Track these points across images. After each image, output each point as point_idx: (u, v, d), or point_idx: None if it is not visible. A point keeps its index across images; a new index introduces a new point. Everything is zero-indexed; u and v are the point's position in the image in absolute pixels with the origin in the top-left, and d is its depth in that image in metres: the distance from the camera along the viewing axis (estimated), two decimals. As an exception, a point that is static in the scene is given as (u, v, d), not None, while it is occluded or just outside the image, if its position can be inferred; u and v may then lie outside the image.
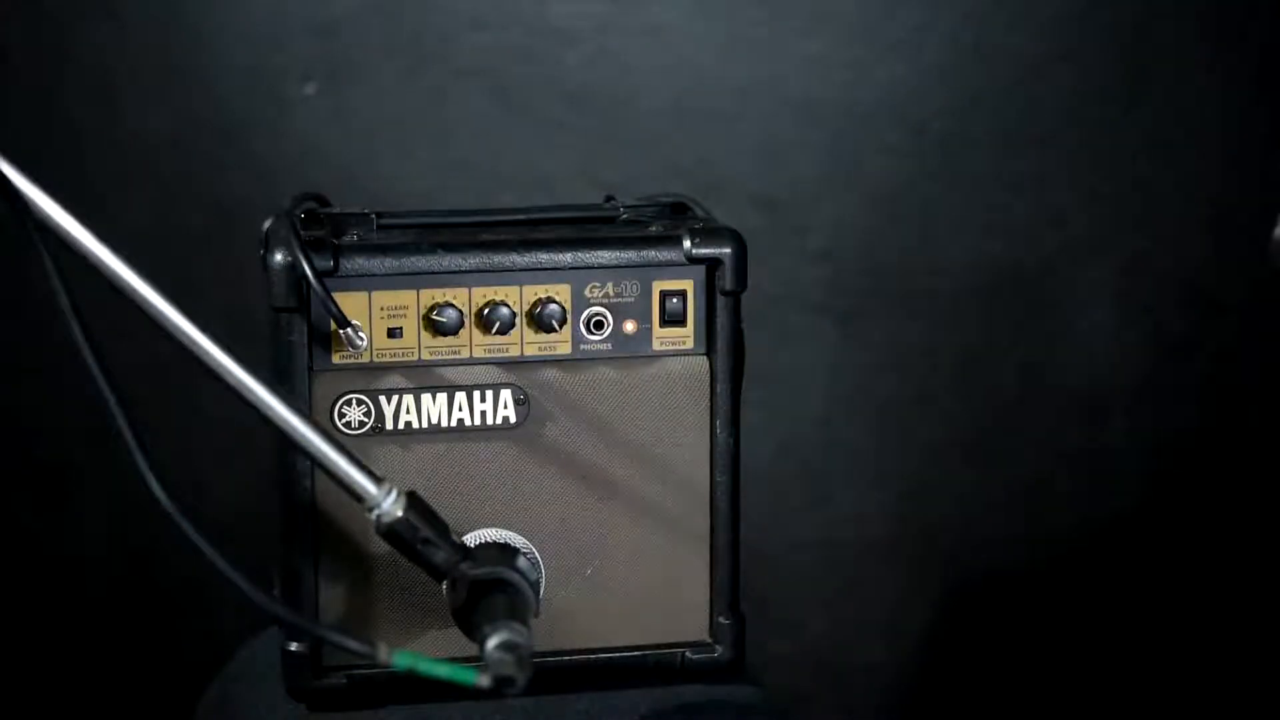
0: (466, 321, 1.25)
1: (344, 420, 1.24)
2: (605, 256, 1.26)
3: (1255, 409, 2.33)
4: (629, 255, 1.27)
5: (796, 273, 2.24)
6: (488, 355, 1.26)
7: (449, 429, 1.25)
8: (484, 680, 1.02)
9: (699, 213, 1.34)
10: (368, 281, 1.23)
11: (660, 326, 1.28)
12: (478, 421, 1.25)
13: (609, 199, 1.38)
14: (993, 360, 2.29)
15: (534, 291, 1.26)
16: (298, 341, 1.22)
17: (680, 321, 1.28)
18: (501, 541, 1.25)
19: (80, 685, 2.24)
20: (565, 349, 1.27)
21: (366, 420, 1.24)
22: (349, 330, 1.22)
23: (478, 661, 1.03)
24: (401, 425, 1.25)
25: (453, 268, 1.24)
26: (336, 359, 1.24)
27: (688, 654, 1.30)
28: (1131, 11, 2.24)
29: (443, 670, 1.02)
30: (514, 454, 1.26)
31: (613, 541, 1.28)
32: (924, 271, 2.26)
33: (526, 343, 1.26)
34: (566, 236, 1.27)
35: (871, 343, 2.27)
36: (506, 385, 1.26)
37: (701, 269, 1.28)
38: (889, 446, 2.30)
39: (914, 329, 2.27)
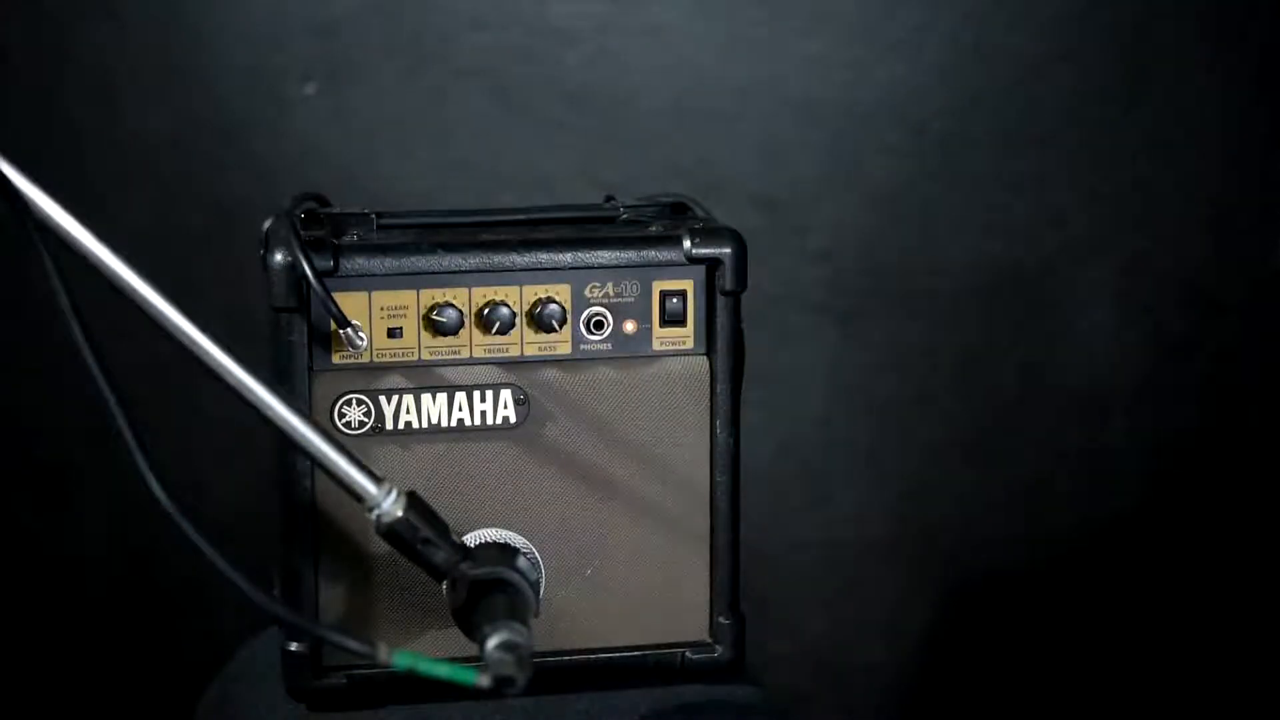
0: (466, 321, 1.25)
1: (344, 420, 1.24)
2: (605, 256, 1.26)
3: (1255, 409, 2.33)
4: (629, 255, 1.27)
5: (796, 273, 2.24)
6: (488, 355, 1.26)
7: (449, 429, 1.25)
8: (484, 680, 1.02)
9: (699, 213, 1.34)
10: (368, 281, 1.23)
11: (660, 326, 1.28)
12: (478, 421, 1.25)
13: (609, 199, 1.38)
14: (993, 360, 2.29)
15: (534, 291, 1.26)
16: (298, 341, 1.22)
17: (680, 321, 1.28)
18: (501, 541, 1.25)
19: (80, 685, 2.24)
20: (565, 349, 1.27)
21: (366, 420, 1.24)
22: (349, 330, 1.22)
23: (478, 661, 1.03)
24: (401, 425, 1.25)
25: (453, 268, 1.24)
26: (336, 359, 1.23)
27: (688, 654, 1.30)
28: (1131, 11, 2.24)
29: (443, 670, 1.02)
30: (514, 454, 1.26)
31: (613, 541, 1.28)
32: (924, 271, 2.26)
33: (526, 343, 1.26)
34: (566, 236, 1.27)
35: (871, 343, 2.27)
36: (506, 385, 1.26)
37: (701, 269, 1.28)
38: (889, 446, 2.30)
39: (914, 329, 2.27)
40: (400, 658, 1.02)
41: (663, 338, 1.28)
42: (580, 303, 1.26)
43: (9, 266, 1.93)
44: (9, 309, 2.12)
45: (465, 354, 1.25)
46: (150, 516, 1.04)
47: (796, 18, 2.20)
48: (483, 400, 1.25)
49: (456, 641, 1.16)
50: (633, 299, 1.27)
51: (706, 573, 1.30)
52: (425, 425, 1.25)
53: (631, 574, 1.29)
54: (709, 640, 1.31)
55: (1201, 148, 2.27)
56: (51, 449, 2.20)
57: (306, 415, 1.13)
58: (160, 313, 1.08)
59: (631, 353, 1.28)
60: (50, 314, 1.04)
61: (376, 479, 1.12)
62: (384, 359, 1.24)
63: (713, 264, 1.27)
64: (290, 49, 2.14)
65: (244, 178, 2.15)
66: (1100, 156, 2.27)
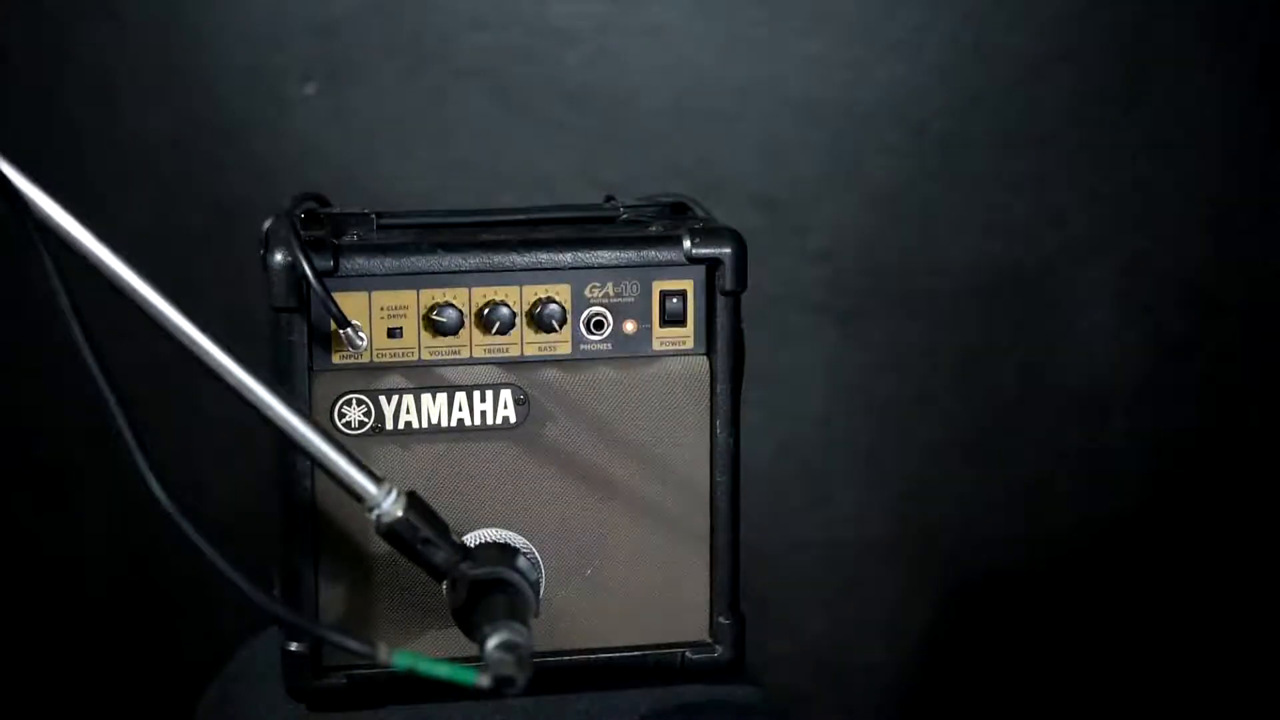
0: (466, 321, 1.25)
1: (344, 420, 1.24)
2: (605, 256, 1.26)
3: (1255, 409, 2.33)
4: (629, 255, 1.27)
5: (796, 273, 2.24)
6: (488, 355, 1.26)
7: (449, 429, 1.25)
8: (484, 680, 1.02)
9: (699, 213, 1.34)
10: (368, 281, 1.23)
11: (660, 326, 1.28)
12: (478, 421, 1.25)
13: (609, 199, 1.38)
14: (993, 360, 2.29)
15: (534, 291, 1.26)
16: (298, 341, 1.22)
17: (680, 321, 1.28)
18: (501, 541, 1.25)
19: (80, 685, 2.24)
20: (565, 349, 1.27)
21: (366, 420, 1.24)
22: (349, 330, 1.22)
23: (478, 661, 1.03)
24: (401, 425, 1.25)
25: (453, 268, 1.24)
26: (336, 359, 1.23)
27: (688, 654, 1.30)
28: (1131, 11, 2.24)
29: (443, 670, 1.02)
30: (514, 454, 1.26)
31: (613, 541, 1.28)
32: (924, 271, 2.26)
33: (526, 343, 1.26)
34: (566, 236, 1.27)
35: (871, 343, 2.27)
36: (506, 385, 1.26)
37: (701, 269, 1.28)
38: (889, 446, 2.30)
39: (914, 329, 2.27)
40: (400, 658, 1.02)
41: (663, 338, 1.28)
42: (580, 303, 1.26)
43: (9, 266, 1.93)
44: (9, 309, 2.12)
45: (465, 354, 1.25)
46: (150, 516, 1.04)
47: (796, 18, 2.20)
48: (483, 400, 1.25)
49: (456, 641, 1.16)
50: (633, 299, 1.27)
51: (706, 573, 1.30)
52: (425, 425, 1.25)
53: (631, 574, 1.29)
54: (709, 640, 1.31)
55: (1201, 148, 2.27)
56: (51, 449, 2.20)
57: (306, 415, 1.13)
58: (160, 313, 1.08)
59: (631, 353, 1.28)
60: (50, 314, 1.04)
61: (376, 479, 1.12)
62: (384, 359, 1.24)
63: (713, 264, 1.27)
64: (290, 49, 2.14)
65: (244, 178, 2.15)
66: (1100, 156, 2.27)
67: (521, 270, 1.25)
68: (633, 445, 1.27)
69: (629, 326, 1.27)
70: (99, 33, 2.12)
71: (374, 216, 1.29)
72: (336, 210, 1.30)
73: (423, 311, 1.24)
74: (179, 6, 2.13)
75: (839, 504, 2.30)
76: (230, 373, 1.09)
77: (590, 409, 1.27)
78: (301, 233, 1.22)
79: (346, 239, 1.25)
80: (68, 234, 1.07)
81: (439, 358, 1.25)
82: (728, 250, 1.27)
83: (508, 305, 1.25)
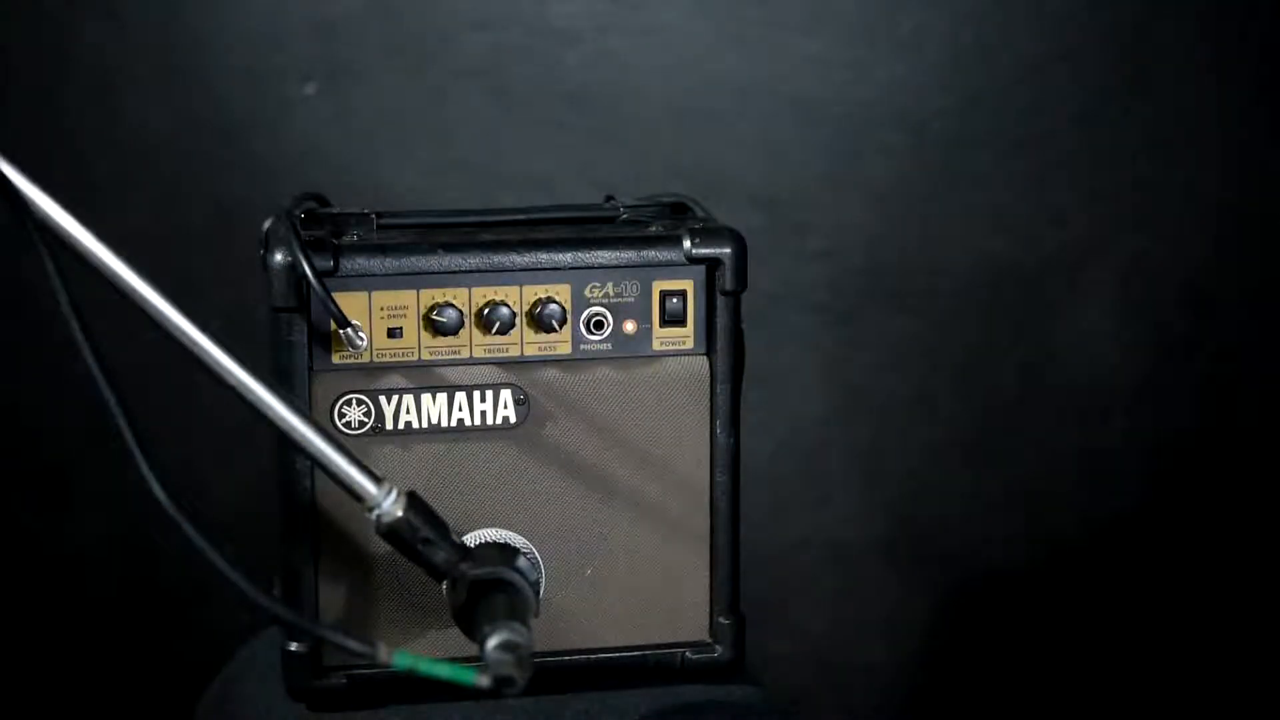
0: (466, 321, 1.25)
1: (344, 420, 1.24)
2: (605, 256, 1.26)
3: (1255, 409, 2.33)
4: (629, 255, 1.27)
5: (796, 273, 2.24)
6: (488, 355, 1.26)
7: (449, 429, 1.25)
8: (484, 680, 1.02)
9: (699, 213, 1.34)
10: (368, 281, 1.23)
11: (660, 326, 1.28)
12: (478, 421, 1.25)
13: (609, 199, 1.38)
14: (993, 360, 2.29)
15: (534, 291, 1.26)
16: (298, 341, 1.22)
17: (680, 321, 1.28)
18: (501, 541, 1.25)
19: (80, 685, 2.24)
20: (565, 349, 1.27)
21: (366, 420, 1.24)
22: (349, 330, 1.22)
23: (478, 661, 1.03)
24: (401, 425, 1.25)
25: (453, 268, 1.24)
26: (336, 359, 1.24)
27: (688, 654, 1.30)
28: (1131, 11, 2.24)
29: (443, 670, 1.02)
30: (514, 454, 1.26)
31: (613, 541, 1.28)
32: (924, 271, 2.26)
33: (526, 343, 1.26)
34: (566, 236, 1.27)
35: (871, 343, 2.27)
36: (506, 385, 1.26)
37: (701, 269, 1.28)
38: (889, 446, 2.30)
39: (914, 329, 2.27)
40: (400, 658, 1.02)
41: (663, 338, 1.28)
42: (580, 303, 1.26)
43: (9, 266, 1.93)
44: (9, 309, 2.12)
45: (465, 354, 1.25)
46: (150, 516, 1.04)
47: (796, 18, 2.20)
48: (483, 400, 1.25)
49: (456, 641, 1.16)
50: (633, 299, 1.27)
51: (706, 573, 1.30)
52: (425, 425, 1.25)
53: (631, 574, 1.29)
54: (709, 640, 1.31)
55: (1201, 148, 2.27)
56: (51, 449, 2.20)
57: (306, 415, 1.13)
58: (160, 313, 1.08)
59: (631, 353, 1.28)
60: (50, 314, 1.04)
61: (376, 479, 1.12)
62: (384, 359, 1.24)
63: (713, 264, 1.27)
64: (290, 49, 2.14)
65: (244, 178, 2.15)
66: (1100, 156, 2.27)
67: (521, 270, 1.25)
68: (633, 445, 1.27)
69: (629, 326, 1.27)
70: (99, 33, 2.12)
71: (374, 216, 1.29)
72: (336, 210, 1.30)
73: (423, 311, 1.24)
74: (179, 6, 2.13)
75: (839, 504, 2.30)
76: (230, 373, 1.09)
77: (590, 409, 1.27)
78: (301, 233, 1.22)
79: (346, 239, 1.25)
80: (68, 234, 1.07)
81: (439, 358, 1.25)
82: (728, 250, 1.27)
83: (508, 305, 1.25)
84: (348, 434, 1.23)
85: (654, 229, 1.30)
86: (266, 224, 1.24)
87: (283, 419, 1.10)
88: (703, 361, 1.28)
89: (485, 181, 2.18)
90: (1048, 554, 2.33)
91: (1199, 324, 2.30)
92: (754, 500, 1.34)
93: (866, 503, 2.31)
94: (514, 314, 1.25)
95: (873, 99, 2.22)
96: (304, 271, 1.19)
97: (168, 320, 1.08)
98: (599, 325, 1.27)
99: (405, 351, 1.24)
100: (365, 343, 1.23)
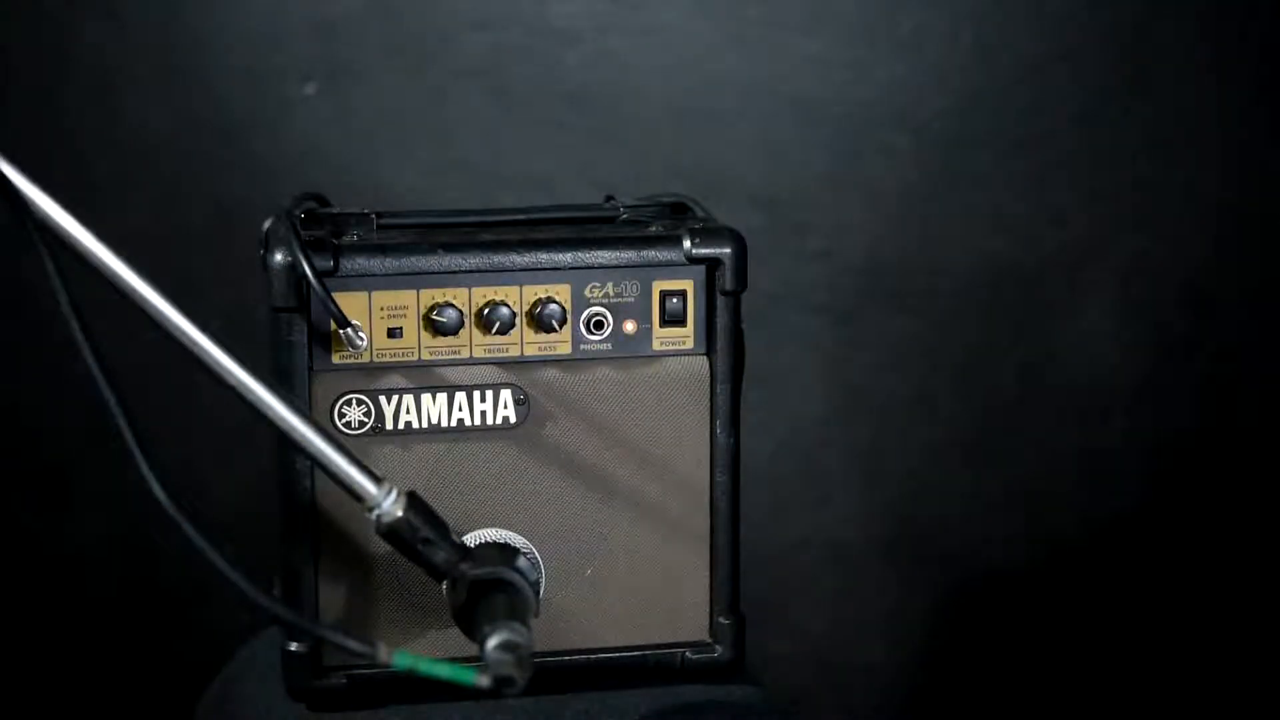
0: (466, 321, 1.25)
1: (344, 420, 1.24)
2: (605, 256, 1.26)
3: (1255, 409, 2.33)
4: (629, 255, 1.27)
5: (796, 273, 2.24)
6: (488, 355, 1.26)
7: (449, 429, 1.25)
8: (484, 680, 1.02)
9: (699, 213, 1.34)
10: (368, 281, 1.23)
11: (660, 326, 1.28)
12: (478, 421, 1.25)
13: (609, 199, 1.38)
14: (993, 360, 2.29)
15: (534, 291, 1.26)
16: (298, 341, 1.22)
17: (680, 321, 1.28)
18: (501, 541, 1.25)
19: (80, 685, 2.24)
20: (565, 349, 1.27)
21: (366, 420, 1.24)
22: (349, 330, 1.22)
23: (478, 661, 1.03)
24: (401, 425, 1.25)
25: (453, 268, 1.24)
26: (336, 359, 1.24)
27: (688, 654, 1.30)
28: (1131, 11, 2.24)
29: (443, 670, 1.02)
30: (514, 454, 1.26)
31: (613, 541, 1.28)
32: (924, 271, 2.26)
33: (526, 343, 1.26)
34: (566, 236, 1.27)
35: (871, 343, 2.27)
36: (506, 385, 1.26)
37: (701, 269, 1.28)
38: (889, 446, 2.30)
39: (914, 329, 2.27)
40: (400, 658, 1.02)
41: (663, 338, 1.28)
42: (580, 303, 1.26)
43: (9, 266, 1.93)
44: (9, 309, 2.12)
45: (465, 354, 1.25)
46: (150, 516, 1.04)
47: (796, 18, 2.20)
48: (483, 400, 1.25)
49: (456, 641, 1.16)
50: (633, 299, 1.27)
51: (706, 573, 1.30)
52: (425, 425, 1.25)
53: (631, 574, 1.29)
54: (709, 640, 1.31)
55: (1201, 148, 2.27)
56: (51, 449, 2.20)
57: (306, 415, 1.13)
58: (160, 313, 1.08)
59: (631, 353, 1.28)
60: (50, 314, 1.04)
61: (376, 479, 1.12)
62: (384, 359, 1.24)
63: (713, 264, 1.27)
64: (290, 49, 2.14)
65: (244, 178, 2.15)
66: (1100, 156, 2.27)
67: (521, 270, 1.25)
68: (633, 445, 1.27)
69: (629, 326, 1.27)
70: (99, 33, 2.12)
71: (374, 216, 1.29)
72: (336, 210, 1.30)
73: (423, 311, 1.24)
74: (179, 6, 2.13)
75: (839, 504, 2.30)
76: (230, 373, 1.09)
77: (590, 409, 1.27)
78: (301, 233, 1.22)
79: (346, 239, 1.25)
80: (68, 234, 1.07)
81: (439, 358, 1.25)
82: (728, 250, 1.27)
83: (508, 305, 1.25)
84: (348, 434, 1.23)
85: (654, 229, 1.30)
86: (266, 224, 1.24)
87: (283, 419, 1.10)
88: (703, 361, 1.28)
89: (485, 181, 2.18)
90: (1048, 554, 2.33)
91: (1199, 324, 2.30)
92: (754, 500, 1.34)
93: (866, 503, 2.31)
94: (514, 314, 1.25)
95: (873, 99, 2.22)
96: (304, 271, 1.19)
97: (168, 320, 1.08)
98: (599, 325, 1.27)
99: (405, 351, 1.24)
100: (365, 343, 1.23)
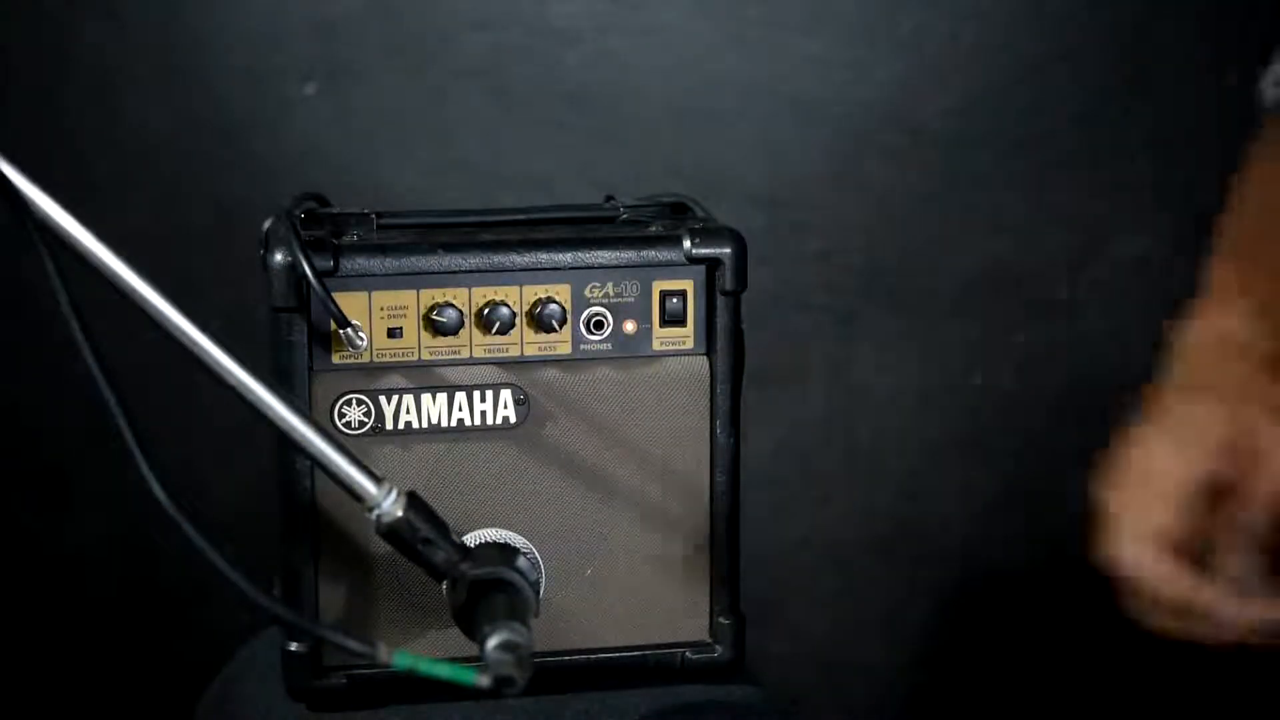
0: (466, 321, 1.25)
1: (344, 420, 1.24)
2: (605, 256, 1.27)
3: (1255, 409, 2.33)
4: (629, 255, 1.27)
5: (796, 273, 2.23)
6: (488, 355, 1.26)
7: (449, 429, 1.25)
8: (484, 680, 1.02)
9: (699, 213, 1.34)
10: (368, 281, 1.23)
11: (660, 326, 1.28)
12: (478, 421, 1.25)
13: (609, 199, 1.38)
14: (992, 360, 2.29)
15: (534, 291, 1.26)
16: (298, 341, 1.22)
17: (680, 321, 1.28)
18: (501, 541, 1.25)
19: (80, 685, 2.24)
20: (565, 349, 1.27)
21: (366, 420, 1.24)
22: (349, 330, 1.22)
23: (478, 661, 1.03)
24: (401, 425, 1.25)
25: (453, 268, 1.24)
26: (336, 359, 1.24)
27: (688, 654, 1.30)
28: (1131, 11, 2.24)
29: (443, 670, 1.02)
30: (514, 454, 1.26)
31: (613, 541, 1.28)
32: (924, 271, 2.26)
33: (526, 343, 1.26)
34: (566, 236, 1.28)
35: (871, 343, 2.27)
36: (506, 385, 1.26)
37: (701, 269, 1.28)
38: (889, 446, 2.30)
39: (914, 329, 2.27)
40: (400, 658, 1.02)
41: (663, 338, 1.28)
42: (580, 303, 1.26)
43: (9, 266, 1.93)
44: (9, 309, 2.12)
45: (465, 354, 1.25)
46: (150, 516, 1.04)
47: (796, 18, 2.20)
48: (483, 400, 1.25)
49: (456, 641, 1.16)
50: (633, 299, 1.27)
51: (706, 573, 1.30)
52: (425, 425, 1.25)
53: (631, 574, 1.29)
54: (709, 640, 1.31)
55: (1201, 148, 2.27)
56: (51, 449, 2.20)
57: (306, 415, 1.13)
58: (160, 313, 1.08)
59: (631, 353, 1.28)
60: (50, 314, 1.04)
61: (376, 479, 1.12)
62: (384, 359, 1.24)
63: (713, 264, 1.27)
64: (290, 49, 2.14)
65: (244, 178, 2.15)
66: (1100, 156, 2.27)
67: (521, 270, 1.25)
68: (633, 445, 1.27)
69: (629, 326, 1.27)
70: (99, 33, 2.12)
71: (374, 216, 1.29)
72: (336, 210, 1.30)
73: (423, 311, 1.24)
74: (179, 6, 2.13)
75: (839, 504, 2.30)
76: (230, 373, 1.09)
77: (590, 409, 1.27)
78: (301, 233, 1.22)
79: (346, 239, 1.25)
80: (68, 234, 1.07)
81: (439, 358, 1.25)
82: (728, 250, 1.27)
83: (508, 305, 1.25)
84: (348, 434, 1.23)
85: (654, 229, 1.30)
86: (266, 224, 1.24)
87: (283, 419, 1.10)
88: (703, 361, 1.29)
89: (485, 181, 2.18)
90: (1048, 554, 2.33)
91: (1199, 324, 2.29)
92: (754, 500, 1.34)
93: (866, 503, 2.31)
94: (514, 314, 1.25)
95: (873, 99, 2.22)
96: (304, 271, 1.19)
97: (168, 320, 1.08)
98: (599, 325, 1.27)
99: (405, 351, 1.24)
100: (365, 343, 1.23)
